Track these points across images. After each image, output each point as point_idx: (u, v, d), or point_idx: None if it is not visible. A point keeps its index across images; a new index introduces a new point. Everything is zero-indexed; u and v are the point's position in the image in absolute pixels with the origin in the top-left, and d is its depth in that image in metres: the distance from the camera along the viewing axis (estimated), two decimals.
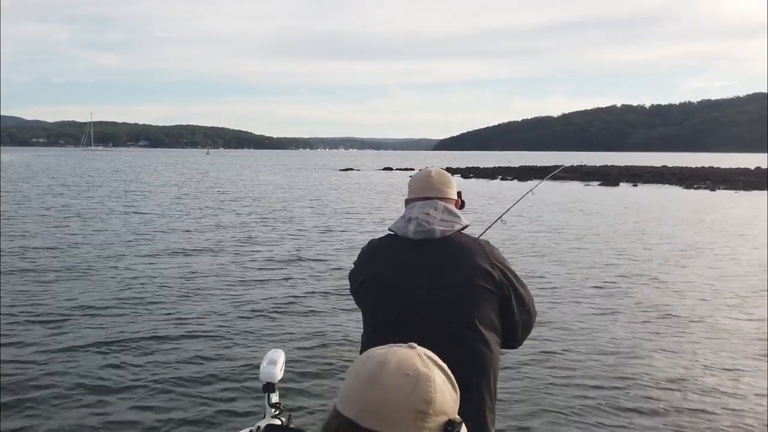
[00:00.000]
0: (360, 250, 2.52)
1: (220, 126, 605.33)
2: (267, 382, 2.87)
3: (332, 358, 6.80)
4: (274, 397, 2.89)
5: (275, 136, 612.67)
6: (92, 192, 31.80)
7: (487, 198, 31.38)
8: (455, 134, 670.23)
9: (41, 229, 16.79)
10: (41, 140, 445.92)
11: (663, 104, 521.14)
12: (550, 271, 11.87)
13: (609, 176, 48.21)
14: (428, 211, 2.32)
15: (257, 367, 2.95)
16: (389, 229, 2.41)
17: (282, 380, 2.95)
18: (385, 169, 74.01)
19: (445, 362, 1.05)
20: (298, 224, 19.08)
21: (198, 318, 8.32)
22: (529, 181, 43.11)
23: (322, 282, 10.67)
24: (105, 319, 8.16)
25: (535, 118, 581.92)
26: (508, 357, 6.43)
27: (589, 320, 8.44)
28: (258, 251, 13.85)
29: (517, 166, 73.68)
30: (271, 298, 9.53)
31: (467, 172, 59.88)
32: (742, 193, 36.54)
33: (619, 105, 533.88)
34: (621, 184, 44.20)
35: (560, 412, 5.48)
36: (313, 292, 9.89)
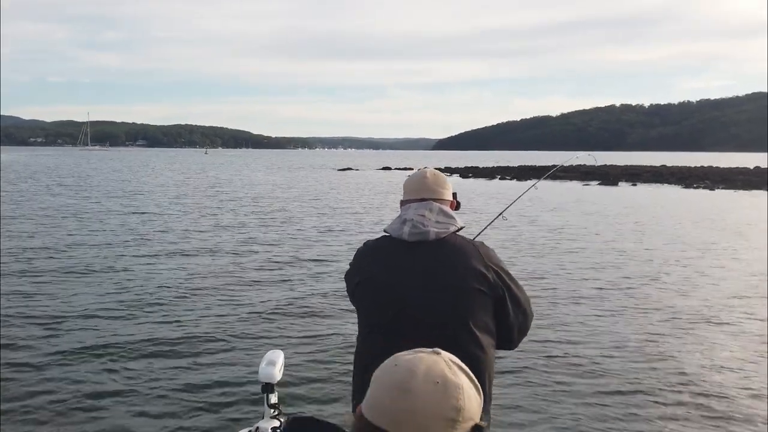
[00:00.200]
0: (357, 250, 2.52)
1: (218, 126, 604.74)
2: (266, 383, 2.85)
3: (331, 359, 6.75)
4: (273, 398, 2.87)
5: (274, 136, 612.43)
6: (88, 192, 31.73)
7: (485, 197, 31.37)
8: (454, 134, 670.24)
9: (37, 229, 16.72)
10: (39, 140, 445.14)
11: (662, 104, 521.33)
12: (550, 271, 11.84)
13: (608, 176, 48.20)
14: (423, 213, 2.32)
15: (256, 367, 2.93)
16: (384, 231, 2.41)
17: (281, 381, 2.92)
18: (384, 168, 73.93)
19: None
20: (296, 224, 19.03)
21: (196, 319, 8.27)
22: (528, 181, 43.11)
23: (320, 282, 10.63)
24: (102, 320, 8.10)
25: (534, 117, 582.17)
26: (508, 361, 6.40)
27: (590, 321, 8.39)
28: (256, 252, 13.80)
29: (516, 165, 73.73)
30: (269, 298, 9.49)
31: (466, 172, 59.81)
32: (741, 192, 36.57)
33: (618, 105, 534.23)
34: (620, 183, 44.20)
35: (559, 418, 5.43)
36: (312, 293, 9.85)
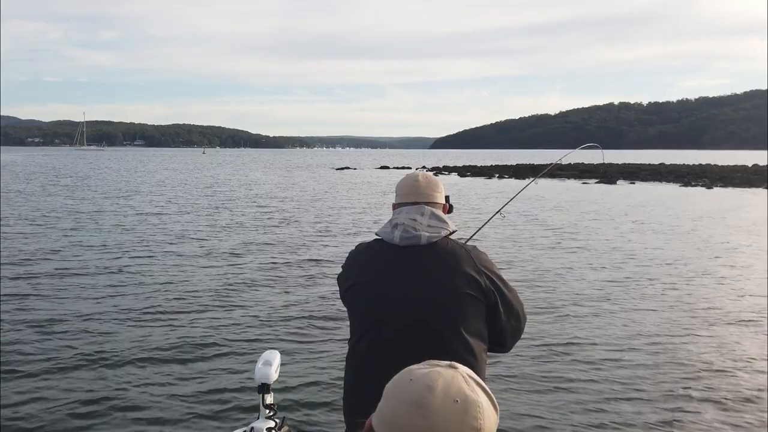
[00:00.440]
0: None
1: (216, 125, 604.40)
2: (262, 383, 2.84)
3: (327, 360, 6.72)
4: (269, 398, 2.87)
5: (272, 135, 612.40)
6: (84, 193, 31.68)
7: (483, 196, 31.38)
8: (452, 132, 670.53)
9: (30, 231, 16.67)
10: (36, 140, 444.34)
11: (660, 101, 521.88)
12: (550, 270, 11.74)
13: (606, 174, 48.21)
14: (415, 217, 2.31)
15: (253, 367, 2.91)
16: (376, 234, 2.38)
17: (277, 381, 2.90)
18: (382, 167, 73.92)
19: None
20: (293, 225, 18.97)
21: (193, 319, 8.23)
22: (526, 180, 43.08)
23: (318, 283, 10.56)
24: (98, 320, 8.03)
25: (532, 116, 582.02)
26: (508, 365, 6.38)
27: (590, 321, 8.33)
28: (254, 252, 13.74)
29: (514, 164, 73.77)
30: (266, 299, 9.45)
31: (464, 171, 59.79)
32: (738, 190, 36.61)
33: (616, 103, 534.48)
34: (618, 182, 44.24)
35: (558, 418, 5.37)
36: (309, 293, 9.79)
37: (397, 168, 69.87)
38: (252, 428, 2.80)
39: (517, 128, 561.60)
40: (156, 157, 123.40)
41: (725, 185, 39.96)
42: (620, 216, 21.88)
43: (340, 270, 2.49)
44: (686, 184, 41.87)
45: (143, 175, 51.17)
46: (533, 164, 68.08)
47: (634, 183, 43.72)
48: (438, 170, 60.47)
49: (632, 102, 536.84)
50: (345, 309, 2.44)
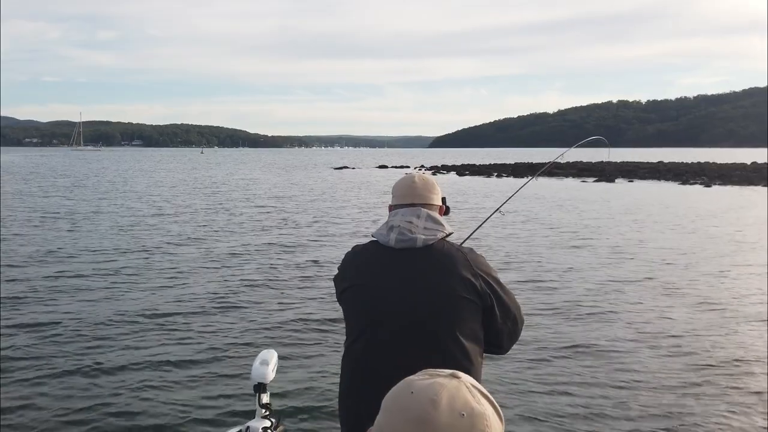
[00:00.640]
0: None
1: (214, 125, 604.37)
2: (258, 383, 2.83)
3: (324, 361, 6.70)
4: (265, 398, 2.86)
5: (270, 135, 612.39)
6: (79, 193, 31.64)
7: (482, 195, 31.37)
8: (451, 131, 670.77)
9: (23, 232, 16.65)
10: (35, 140, 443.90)
11: (659, 100, 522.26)
12: (551, 268, 11.73)
13: (605, 172, 48.23)
14: (411, 220, 2.30)
15: (249, 366, 2.89)
16: (372, 236, 2.38)
17: (273, 381, 2.88)
18: (381, 167, 73.95)
19: None
20: (292, 225, 18.94)
21: (190, 318, 8.21)
22: (525, 178, 43.05)
23: (316, 283, 10.53)
24: (94, 321, 7.97)
25: (530, 114, 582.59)
26: (507, 368, 6.35)
27: (589, 322, 8.30)
28: (251, 253, 13.70)
29: (513, 162, 73.81)
30: (264, 298, 9.43)
31: (462, 170, 59.83)
32: (737, 188, 36.64)
33: (614, 101, 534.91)
34: (617, 180, 44.27)
35: (558, 419, 5.33)
36: (307, 294, 9.75)
37: (396, 167, 69.92)
38: (248, 428, 2.80)
39: (515, 127, 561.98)
40: (153, 158, 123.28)
41: (724, 183, 40.01)
42: (619, 215, 21.86)
43: (336, 271, 2.48)
44: (685, 182, 41.90)
45: (139, 176, 51.12)
46: (532, 163, 68.13)
47: (632, 181, 43.76)
48: (436, 169, 60.51)
49: (631, 100, 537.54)
50: (341, 310, 2.43)
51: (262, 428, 2.80)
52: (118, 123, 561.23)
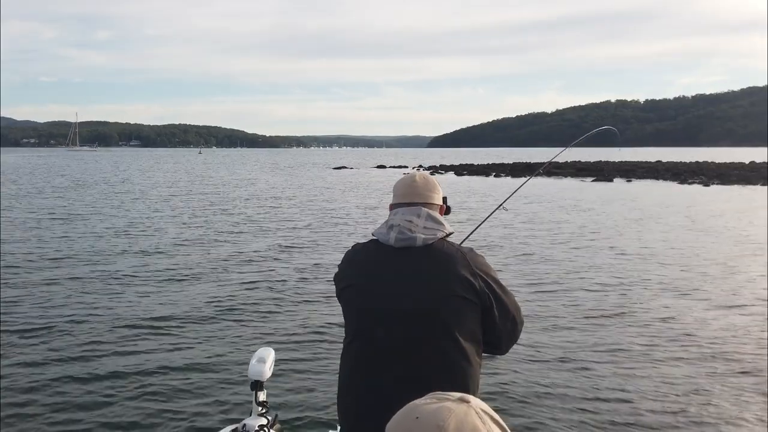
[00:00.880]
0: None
1: (212, 125, 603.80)
2: (255, 380, 2.83)
3: (322, 359, 6.71)
4: (262, 396, 2.85)
5: (268, 135, 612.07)
6: (76, 193, 31.61)
7: (480, 195, 31.39)
8: (449, 131, 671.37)
9: (18, 235, 16.61)
10: (32, 141, 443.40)
11: (657, 99, 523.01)
12: (551, 269, 11.73)
13: (603, 172, 48.30)
14: (411, 219, 2.29)
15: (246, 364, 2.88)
16: (372, 234, 2.37)
17: (270, 379, 2.87)
18: (379, 166, 73.98)
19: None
20: (290, 224, 18.93)
21: (187, 317, 8.20)
22: (523, 178, 43.12)
23: (313, 282, 10.53)
24: (91, 322, 7.95)
25: (529, 114, 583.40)
26: (507, 368, 6.34)
27: (590, 323, 8.28)
28: (249, 251, 13.68)
29: (511, 162, 73.87)
30: (261, 297, 9.44)
31: (461, 169, 59.86)
32: (736, 187, 36.69)
33: (613, 100, 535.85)
34: (615, 179, 44.32)
35: (557, 419, 5.32)
36: (305, 293, 9.75)
37: (394, 167, 69.96)
38: (244, 425, 2.79)
39: (514, 126, 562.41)
40: (151, 158, 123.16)
41: (722, 182, 40.06)
42: (618, 214, 21.88)
43: (336, 270, 2.47)
44: (683, 181, 41.96)
45: (135, 177, 51.08)
46: (530, 162, 68.19)
47: (630, 181, 43.81)
48: (435, 169, 60.56)
49: (629, 99, 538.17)
50: (339, 309, 2.42)
51: (259, 425, 2.79)
52: (116, 123, 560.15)
